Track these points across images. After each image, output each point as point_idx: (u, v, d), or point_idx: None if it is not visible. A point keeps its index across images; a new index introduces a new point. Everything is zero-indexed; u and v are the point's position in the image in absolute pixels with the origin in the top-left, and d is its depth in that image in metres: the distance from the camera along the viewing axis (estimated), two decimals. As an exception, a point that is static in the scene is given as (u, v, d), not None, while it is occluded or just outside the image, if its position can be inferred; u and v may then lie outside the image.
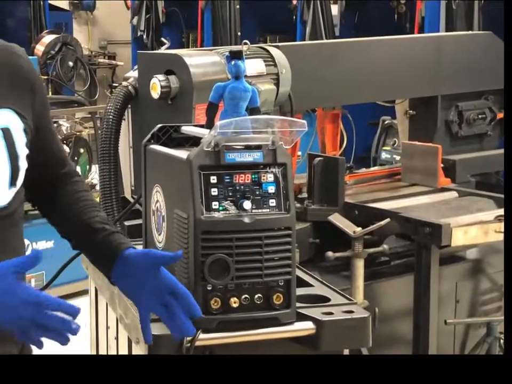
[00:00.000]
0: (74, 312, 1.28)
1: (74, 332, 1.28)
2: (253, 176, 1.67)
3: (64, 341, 1.29)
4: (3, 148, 1.39)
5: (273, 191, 1.67)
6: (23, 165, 1.44)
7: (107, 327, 2.15)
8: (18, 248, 1.49)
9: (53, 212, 1.64)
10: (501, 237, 2.88)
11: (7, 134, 1.40)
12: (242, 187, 1.66)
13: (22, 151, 1.43)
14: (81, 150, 4.87)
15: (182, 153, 1.73)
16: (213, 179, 1.65)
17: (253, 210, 1.65)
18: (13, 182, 1.42)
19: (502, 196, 3.23)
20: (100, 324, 2.26)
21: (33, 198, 1.64)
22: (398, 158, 4.00)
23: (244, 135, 1.67)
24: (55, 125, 4.80)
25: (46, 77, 5.54)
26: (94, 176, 4.93)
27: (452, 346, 3.19)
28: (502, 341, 3.09)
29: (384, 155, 5.46)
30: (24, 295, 1.24)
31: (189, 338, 1.64)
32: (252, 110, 1.81)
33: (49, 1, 9.09)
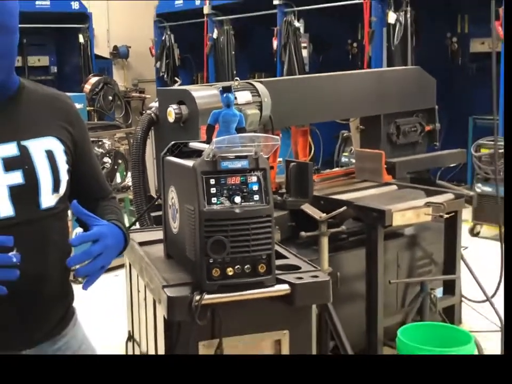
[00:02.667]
0: (6, 242, 1.20)
1: (16, 261, 1.20)
2: (241, 178, 1.66)
3: (11, 275, 1.21)
4: (47, 165, 1.39)
5: (256, 189, 1.67)
6: (64, 177, 1.43)
7: (138, 291, 2.15)
8: (59, 240, 1.44)
9: None
10: (429, 218, 2.89)
11: (49, 154, 1.40)
12: (233, 186, 1.65)
13: (63, 167, 1.43)
14: (120, 161, 4.84)
15: (189, 163, 1.72)
16: (212, 181, 1.65)
17: (242, 203, 1.65)
18: (55, 189, 1.41)
19: (431, 187, 3.25)
20: (133, 289, 2.26)
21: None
22: (353, 161, 4.01)
23: (234, 148, 1.67)
24: (100, 143, 4.78)
25: (92, 108, 5.53)
26: (129, 180, 4.91)
27: (395, 300, 3.20)
28: (432, 296, 3.07)
29: (343, 159, 5.47)
30: None
31: (196, 298, 1.64)
32: (240, 130, 1.82)
33: (95, 52, 9.09)
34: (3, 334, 1.38)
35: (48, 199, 1.40)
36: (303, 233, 2.75)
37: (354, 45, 7.62)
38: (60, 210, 1.45)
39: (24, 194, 1.35)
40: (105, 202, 1.59)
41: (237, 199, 1.64)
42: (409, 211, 2.82)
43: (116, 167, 4.82)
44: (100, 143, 4.80)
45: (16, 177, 1.34)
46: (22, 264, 1.25)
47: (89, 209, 1.43)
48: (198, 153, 1.83)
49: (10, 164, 1.34)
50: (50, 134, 1.43)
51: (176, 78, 8.96)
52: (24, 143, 1.37)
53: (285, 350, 1.79)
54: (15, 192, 1.34)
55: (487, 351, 3.10)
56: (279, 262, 1.79)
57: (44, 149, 1.40)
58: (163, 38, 9.25)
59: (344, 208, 2.81)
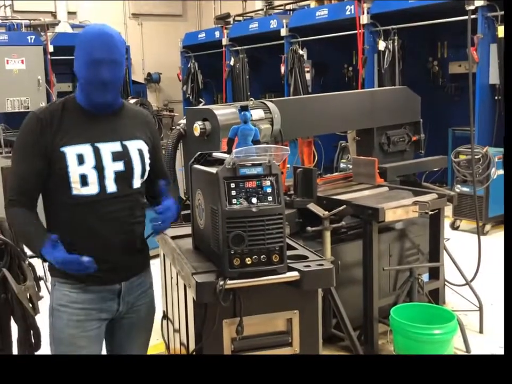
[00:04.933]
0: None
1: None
2: (257, 182, 1.66)
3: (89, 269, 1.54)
4: (138, 159, 1.71)
5: (270, 191, 1.67)
6: (147, 167, 1.75)
7: (171, 278, 2.15)
8: (139, 210, 1.75)
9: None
10: (416, 214, 2.86)
11: (140, 152, 1.73)
12: (250, 189, 1.66)
13: (147, 161, 1.75)
14: (154, 169, 4.86)
15: (213, 170, 1.73)
16: (232, 185, 1.65)
17: (258, 204, 1.65)
18: (142, 176, 1.74)
19: (417, 188, 3.22)
20: (167, 275, 2.27)
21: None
22: (350, 167, 3.99)
23: (251, 157, 1.68)
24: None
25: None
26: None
27: (388, 284, 3.18)
28: (419, 280, 3.03)
29: (342, 165, 5.46)
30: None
31: (220, 283, 1.64)
32: (255, 142, 1.82)
33: (132, 78, 9.17)
34: (112, 274, 1.70)
35: (137, 182, 1.72)
36: (309, 228, 2.75)
37: (350, 69, 7.61)
38: (142, 190, 1.77)
39: (123, 177, 1.68)
40: (163, 182, 1.78)
41: (254, 200, 1.65)
42: (399, 209, 2.80)
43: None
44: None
45: (119, 166, 1.68)
46: (123, 224, 1.67)
47: (154, 186, 1.75)
48: (220, 161, 1.84)
49: (116, 156, 1.67)
50: (140, 138, 1.75)
51: (200, 99, 9.02)
52: (124, 142, 1.70)
53: (296, 327, 1.78)
54: (118, 176, 1.67)
55: (467, 327, 3.06)
56: (289, 252, 1.79)
57: (137, 148, 1.71)
58: (188, 65, 9.32)
59: (344, 206, 2.80)
